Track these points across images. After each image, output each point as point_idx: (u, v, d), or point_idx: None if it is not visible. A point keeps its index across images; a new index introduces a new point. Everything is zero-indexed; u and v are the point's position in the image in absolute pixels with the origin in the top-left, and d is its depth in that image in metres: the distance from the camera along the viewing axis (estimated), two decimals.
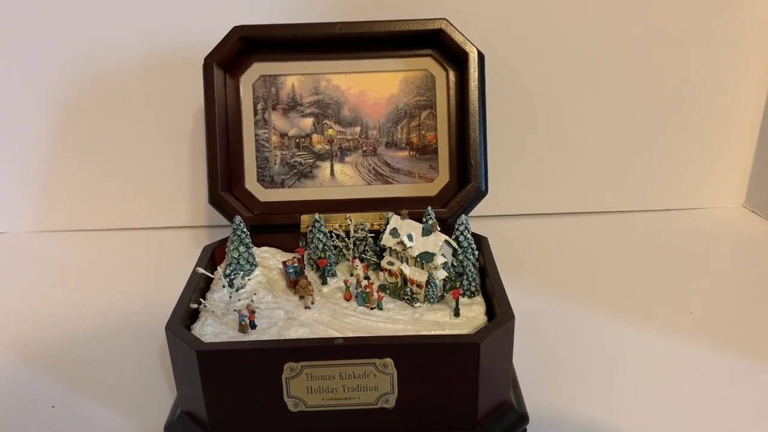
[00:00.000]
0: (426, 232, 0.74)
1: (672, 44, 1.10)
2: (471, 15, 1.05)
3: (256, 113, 0.91)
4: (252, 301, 0.72)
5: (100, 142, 1.13)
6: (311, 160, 0.92)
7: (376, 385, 0.62)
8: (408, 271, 0.74)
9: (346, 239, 0.82)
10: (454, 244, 0.74)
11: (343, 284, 0.75)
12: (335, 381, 0.62)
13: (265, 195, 0.91)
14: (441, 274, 0.72)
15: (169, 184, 1.16)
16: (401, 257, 0.76)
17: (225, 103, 0.89)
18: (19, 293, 0.99)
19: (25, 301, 0.96)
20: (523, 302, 0.88)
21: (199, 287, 0.73)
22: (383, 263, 0.77)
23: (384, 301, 0.73)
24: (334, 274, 0.79)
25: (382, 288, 0.75)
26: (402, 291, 0.74)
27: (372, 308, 0.72)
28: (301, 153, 0.92)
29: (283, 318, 0.71)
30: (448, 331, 0.67)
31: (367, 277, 0.75)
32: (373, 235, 0.82)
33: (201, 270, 0.75)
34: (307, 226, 0.83)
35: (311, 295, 0.73)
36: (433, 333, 0.67)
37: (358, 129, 0.92)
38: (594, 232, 1.14)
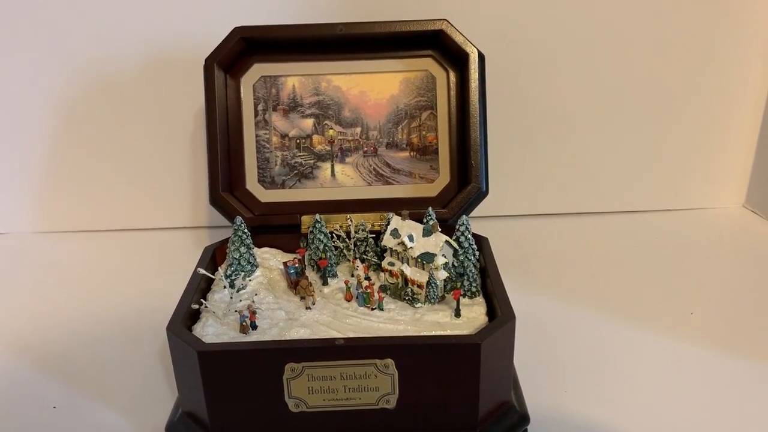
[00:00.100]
0: (427, 233, 0.74)
1: (673, 45, 1.10)
2: (471, 15, 1.05)
3: (256, 114, 0.91)
4: (253, 301, 0.72)
5: (101, 143, 1.13)
6: (312, 161, 0.92)
7: (377, 386, 0.62)
8: (409, 271, 0.74)
9: (347, 240, 0.82)
10: (455, 245, 0.75)
11: (343, 285, 0.75)
12: (336, 381, 0.62)
13: (265, 196, 0.91)
14: (442, 275, 0.72)
15: (170, 185, 1.16)
16: (402, 258, 0.76)
17: (226, 104, 0.89)
18: (20, 294, 0.99)
19: (26, 302, 0.96)
20: (523, 303, 0.88)
21: (200, 288, 0.73)
22: (384, 264, 0.77)
23: (385, 302, 0.73)
24: (334, 275, 0.79)
25: (383, 289, 0.75)
26: (403, 291, 0.74)
27: (373, 309, 0.72)
28: (301, 154, 0.92)
29: (284, 319, 0.71)
30: (448, 332, 0.67)
31: (367, 278, 0.76)
32: (374, 235, 0.82)
33: (202, 271, 0.75)
34: (308, 227, 0.83)
35: (312, 295, 0.73)
36: (433, 333, 0.67)
37: (358, 130, 0.92)
38: (594, 233, 1.14)
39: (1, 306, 0.95)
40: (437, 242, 0.73)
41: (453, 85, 0.90)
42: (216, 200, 0.88)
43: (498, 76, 1.03)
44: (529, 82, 1.12)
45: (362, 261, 0.80)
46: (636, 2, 1.08)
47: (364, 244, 0.81)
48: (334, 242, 0.82)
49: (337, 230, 0.83)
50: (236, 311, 0.70)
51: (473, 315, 0.70)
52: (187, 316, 0.67)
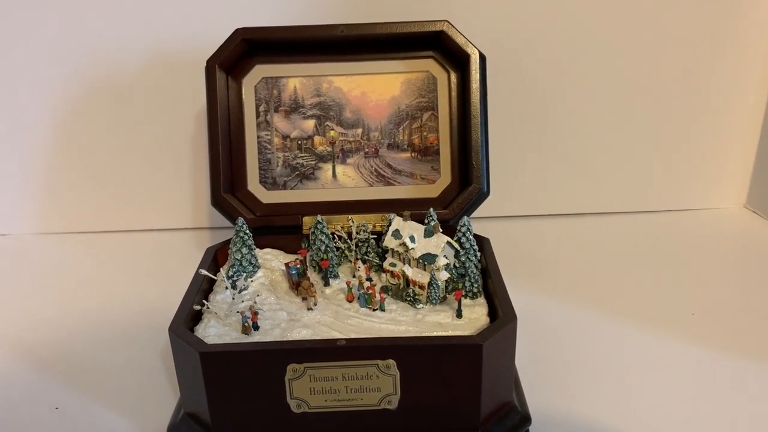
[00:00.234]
0: (428, 234, 0.74)
1: (674, 45, 1.11)
2: (472, 16, 1.05)
3: (258, 115, 0.91)
4: (255, 302, 0.72)
5: (103, 144, 1.13)
6: (313, 162, 0.92)
7: (379, 387, 0.63)
8: (410, 272, 0.74)
9: (349, 241, 0.82)
10: (456, 246, 0.75)
11: (345, 286, 0.75)
12: (338, 382, 0.62)
13: (267, 197, 0.91)
14: (443, 276, 0.72)
15: (172, 186, 1.16)
16: (403, 259, 0.76)
17: (227, 105, 0.90)
18: (21, 296, 0.99)
19: (28, 304, 0.96)
20: (525, 303, 0.89)
21: (201, 289, 0.73)
22: (385, 265, 0.77)
23: (386, 303, 0.73)
24: (336, 276, 0.79)
25: (385, 289, 0.75)
26: (404, 292, 0.74)
27: (374, 310, 0.72)
28: (303, 155, 0.92)
29: (286, 319, 0.71)
30: (450, 333, 0.67)
31: (369, 279, 0.76)
32: (376, 236, 0.82)
33: (204, 272, 0.75)
34: (310, 228, 0.83)
35: (314, 296, 0.73)
36: (435, 334, 0.67)
37: (359, 131, 0.92)
38: (595, 233, 1.14)
39: (2, 307, 0.95)
40: (439, 243, 0.73)
41: (454, 86, 0.90)
42: (218, 201, 0.88)
43: (499, 77, 1.03)
44: (530, 82, 1.12)
45: (364, 262, 0.80)
46: (637, 3, 1.08)
47: (366, 244, 0.81)
48: (335, 243, 0.82)
49: (338, 231, 0.83)
50: (238, 312, 0.70)
51: (475, 316, 0.70)
52: (189, 317, 0.67)
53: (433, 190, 0.91)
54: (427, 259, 0.73)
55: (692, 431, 0.69)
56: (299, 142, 0.92)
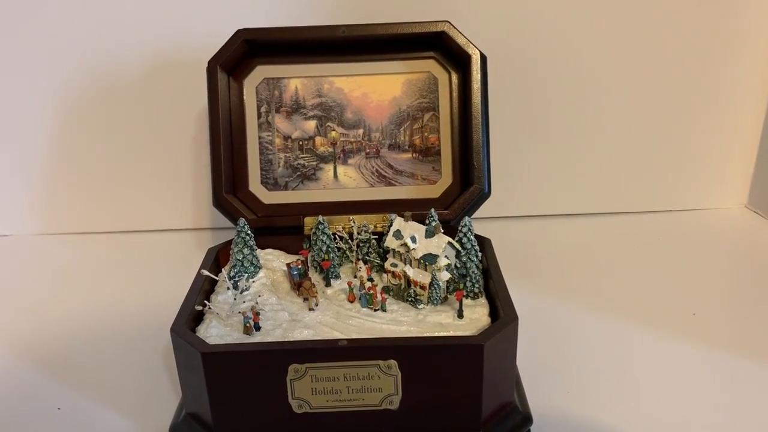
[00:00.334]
0: (429, 234, 0.74)
1: (674, 46, 1.11)
2: (473, 17, 1.05)
3: (259, 116, 0.91)
4: (256, 303, 0.72)
5: (104, 144, 1.14)
6: (314, 163, 0.92)
7: (380, 387, 0.63)
8: (411, 272, 0.74)
9: (350, 241, 0.82)
10: (458, 246, 0.75)
11: (346, 286, 0.75)
12: (339, 382, 0.62)
13: (268, 197, 0.91)
14: (444, 276, 0.72)
15: (173, 187, 1.16)
16: (404, 259, 0.76)
17: (229, 106, 0.90)
18: (23, 296, 0.99)
19: (30, 304, 0.96)
20: (526, 303, 0.89)
21: (203, 289, 0.73)
22: (387, 265, 0.77)
23: (387, 303, 0.73)
24: (337, 276, 0.79)
25: (386, 290, 0.75)
26: (405, 293, 0.74)
27: (376, 310, 0.72)
28: (304, 155, 0.92)
29: (288, 320, 0.71)
30: (451, 333, 0.67)
31: (370, 279, 0.76)
32: (377, 236, 0.82)
33: (205, 272, 0.75)
34: (311, 228, 0.83)
35: (315, 296, 0.73)
36: (436, 334, 0.67)
37: (361, 131, 0.92)
38: (597, 234, 1.14)
39: (4, 308, 0.96)
40: (440, 243, 0.73)
41: (455, 87, 0.90)
42: (219, 202, 0.88)
43: (500, 78, 1.03)
44: (531, 83, 1.12)
45: (365, 262, 0.80)
46: (638, 3, 1.08)
47: (367, 245, 0.81)
48: (336, 243, 0.82)
49: (339, 231, 0.83)
50: (240, 312, 0.70)
51: (476, 316, 0.70)
52: (190, 317, 0.67)
53: (434, 191, 0.91)
54: (429, 260, 0.73)
55: (693, 431, 0.69)
56: (300, 142, 0.92)
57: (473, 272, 0.74)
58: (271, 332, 0.68)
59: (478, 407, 0.63)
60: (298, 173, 0.92)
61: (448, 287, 0.74)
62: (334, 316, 0.72)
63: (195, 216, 1.18)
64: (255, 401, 0.63)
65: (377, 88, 0.91)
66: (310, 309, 0.73)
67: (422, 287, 0.73)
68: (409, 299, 0.73)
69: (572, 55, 1.10)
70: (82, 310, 0.94)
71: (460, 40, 0.87)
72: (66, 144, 1.13)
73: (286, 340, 0.67)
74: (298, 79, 0.91)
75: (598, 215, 1.20)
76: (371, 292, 0.73)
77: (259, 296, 0.75)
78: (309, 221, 0.86)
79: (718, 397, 0.74)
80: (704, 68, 1.12)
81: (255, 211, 0.89)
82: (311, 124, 0.92)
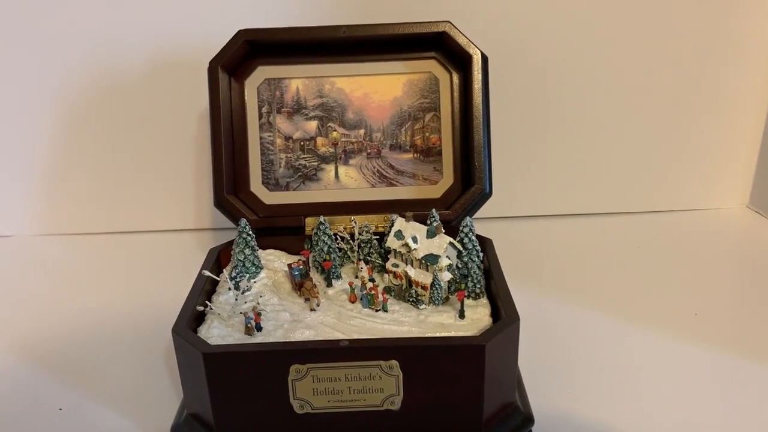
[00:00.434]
0: (430, 234, 0.74)
1: (675, 45, 1.10)
2: (474, 17, 1.05)
3: (260, 116, 0.91)
4: (258, 303, 0.72)
5: (105, 145, 1.14)
6: (316, 163, 0.92)
7: (382, 387, 0.63)
8: (413, 273, 0.74)
9: (351, 241, 0.82)
10: (459, 246, 0.75)
11: (348, 286, 0.75)
12: (341, 383, 0.62)
13: (270, 198, 0.91)
14: (446, 276, 0.72)
15: (174, 188, 1.16)
16: (406, 259, 0.76)
17: (230, 107, 0.90)
18: (24, 296, 0.99)
19: (31, 304, 0.96)
20: (527, 304, 0.89)
21: (204, 290, 0.73)
22: (388, 265, 0.77)
23: (389, 303, 0.73)
24: (339, 277, 0.79)
25: (387, 290, 0.75)
26: (407, 293, 0.74)
27: (377, 310, 0.72)
28: (305, 156, 0.92)
29: (289, 320, 0.71)
30: (453, 333, 0.67)
31: (372, 279, 0.76)
32: (378, 237, 0.82)
33: (207, 273, 0.75)
34: (312, 229, 0.83)
35: (316, 297, 0.73)
36: (438, 335, 0.67)
37: (362, 132, 0.92)
38: (598, 234, 1.14)
39: (6, 309, 0.96)
40: (441, 244, 0.73)
41: (456, 87, 0.90)
42: (220, 202, 0.88)
43: (501, 78, 1.03)
44: (532, 83, 1.12)
45: (366, 262, 0.80)
46: (638, 4, 1.08)
47: (368, 245, 0.81)
48: (338, 244, 0.82)
49: (341, 232, 0.83)
50: (241, 313, 0.70)
51: (477, 316, 0.70)
52: (192, 318, 0.68)
53: (435, 191, 0.91)
54: (430, 260, 0.73)
55: (695, 431, 0.69)
56: (302, 143, 0.92)
57: (475, 272, 0.74)
58: (273, 333, 0.68)
59: (479, 408, 0.63)
60: (300, 173, 0.92)
61: (449, 287, 0.74)
62: (336, 316, 0.72)
63: (196, 216, 1.18)
64: (256, 402, 0.63)
65: (378, 89, 0.91)
66: (311, 309, 0.73)
67: (424, 287, 0.73)
68: (411, 299, 0.73)
69: (573, 55, 1.10)
70: (84, 310, 0.94)
71: (461, 41, 0.87)
72: (67, 144, 1.14)
73: (287, 340, 0.67)
74: (299, 79, 0.91)
75: (599, 215, 1.20)
76: (372, 292, 0.73)
77: (261, 297, 0.75)
78: (310, 221, 0.86)
79: (720, 397, 0.73)
80: (705, 68, 1.12)
81: (256, 212, 0.89)
82: (312, 125, 0.92)
